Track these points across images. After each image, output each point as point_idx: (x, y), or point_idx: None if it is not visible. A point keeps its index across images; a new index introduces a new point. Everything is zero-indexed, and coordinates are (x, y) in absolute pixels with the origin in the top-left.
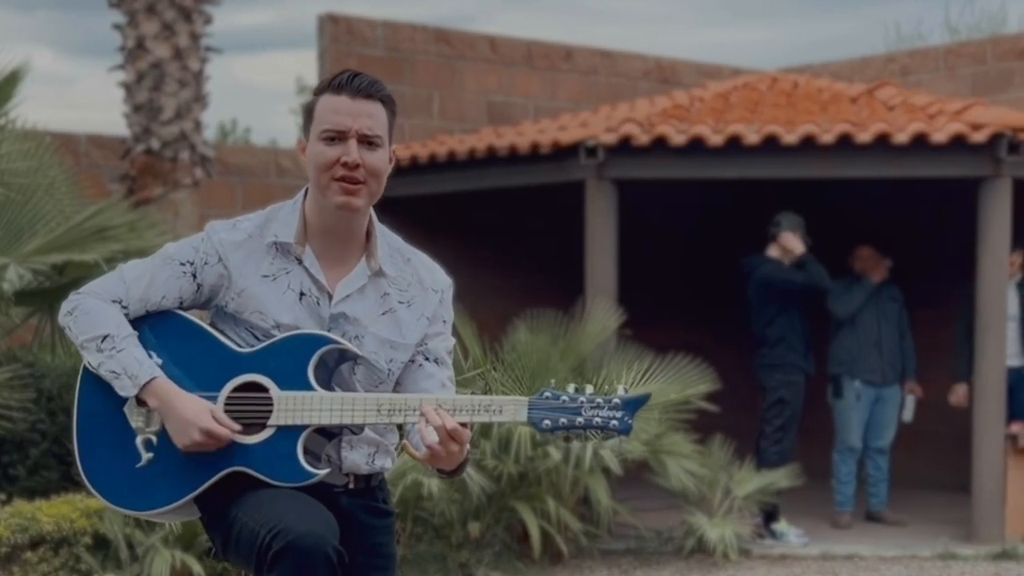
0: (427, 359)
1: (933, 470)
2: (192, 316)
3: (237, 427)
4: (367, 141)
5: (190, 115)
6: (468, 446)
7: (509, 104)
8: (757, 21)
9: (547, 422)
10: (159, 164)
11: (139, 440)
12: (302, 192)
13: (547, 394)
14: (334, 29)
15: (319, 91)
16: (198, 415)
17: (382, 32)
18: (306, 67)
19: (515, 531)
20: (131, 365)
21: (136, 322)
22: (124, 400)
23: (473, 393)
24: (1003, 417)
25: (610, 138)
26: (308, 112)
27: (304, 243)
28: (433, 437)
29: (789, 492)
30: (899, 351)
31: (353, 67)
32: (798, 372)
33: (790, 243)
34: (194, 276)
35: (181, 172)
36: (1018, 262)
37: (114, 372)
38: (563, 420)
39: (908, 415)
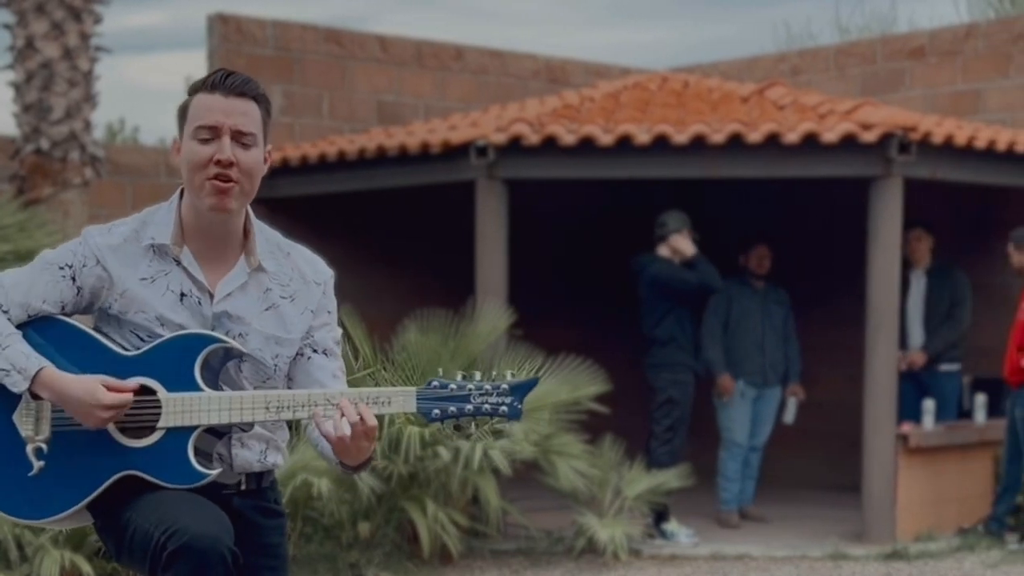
0: (315, 351)
1: (824, 470)
2: (75, 321)
3: (134, 384)
4: (240, 140)
5: (80, 115)
6: (376, 443)
7: (399, 104)
8: (646, 22)
9: (436, 411)
10: (49, 164)
11: (30, 448)
12: (177, 193)
13: (435, 383)
14: (224, 29)
15: (193, 91)
16: (93, 393)
17: (272, 32)
18: (196, 67)
19: (405, 531)
20: (18, 360)
21: (19, 328)
22: (13, 408)
23: None
24: (894, 417)
25: (500, 138)
26: (182, 112)
27: (182, 244)
28: (346, 430)
29: (679, 492)
30: (782, 354)
31: (243, 67)
32: (687, 372)
33: (681, 245)
34: (73, 279)
35: (71, 172)
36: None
37: (3, 370)
38: (452, 408)
39: (790, 417)
